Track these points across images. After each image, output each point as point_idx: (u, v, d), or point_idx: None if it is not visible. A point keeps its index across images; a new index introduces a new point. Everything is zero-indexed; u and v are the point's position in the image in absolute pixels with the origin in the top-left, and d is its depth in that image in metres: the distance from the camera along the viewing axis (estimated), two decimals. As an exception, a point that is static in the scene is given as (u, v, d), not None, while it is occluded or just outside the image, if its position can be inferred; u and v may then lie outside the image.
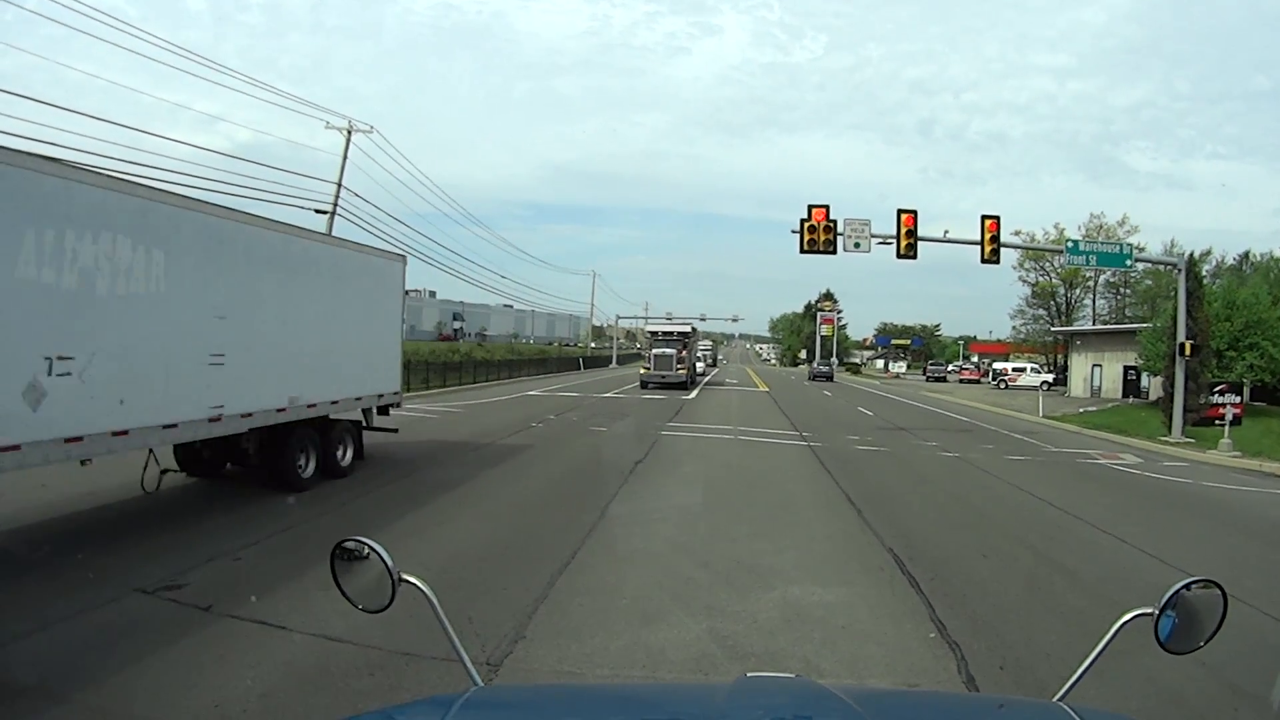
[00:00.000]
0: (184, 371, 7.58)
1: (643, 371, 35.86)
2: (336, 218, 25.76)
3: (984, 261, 21.09)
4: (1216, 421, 18.77)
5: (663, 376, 34.29)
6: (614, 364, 66.81)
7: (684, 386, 34.22)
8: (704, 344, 66.43)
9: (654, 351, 35.64)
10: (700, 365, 47.49)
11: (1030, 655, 4.91)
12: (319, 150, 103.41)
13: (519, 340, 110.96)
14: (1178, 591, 1.70)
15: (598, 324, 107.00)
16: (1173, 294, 23.79)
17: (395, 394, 12.30)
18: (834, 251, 21.06)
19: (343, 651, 4.51)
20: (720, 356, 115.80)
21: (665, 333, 38.30)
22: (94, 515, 8.02)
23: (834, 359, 72.68)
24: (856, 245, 21.06)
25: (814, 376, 56.80)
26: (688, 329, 39.10)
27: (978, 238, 21.02)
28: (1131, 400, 32.90)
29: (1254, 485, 13.95)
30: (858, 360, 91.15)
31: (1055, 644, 5.04)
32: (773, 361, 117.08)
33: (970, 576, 6.79)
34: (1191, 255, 30.15)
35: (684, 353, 35.73)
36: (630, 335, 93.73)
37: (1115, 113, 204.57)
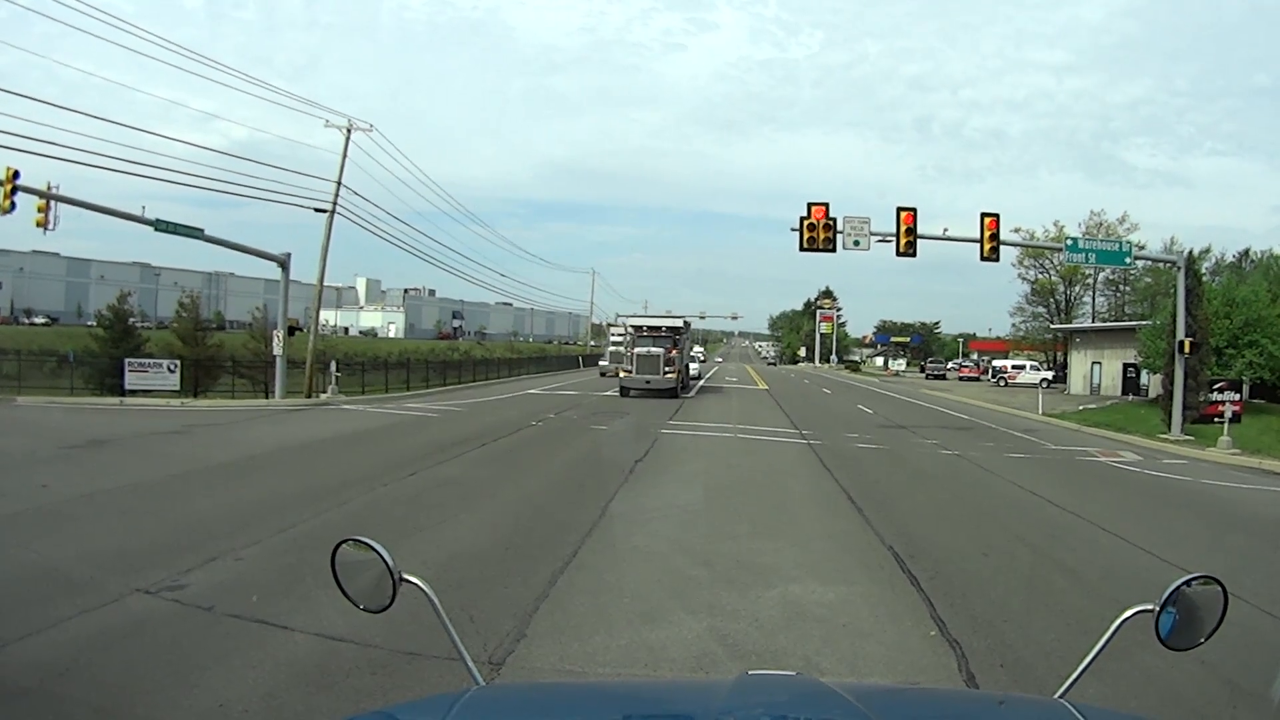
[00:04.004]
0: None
1: (622, 375, 28.93)
2: (336, 216, 25.81)
3: (983, 259, 21.14)
4: (1216, 419, 18.80)
5: (646, 382, 27.78)
6: (614, 362, 66.64)
7: (673, 394, 28.29)
8: (696, 350, 58.01)
9: (636, 350, 28.65)
10: (695, 368, 41.93)
11: (1030, 653, 4.92)
12: (316, 148, 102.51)
13: (518, 338, 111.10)
14: (1178, 588, 1.70)
15: (597, 322, 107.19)
16: (1172, 291, 23.79)
17: None
18: (834, 249, 21.11)
19: (344, 651, 4.51)
20: (718, 357, 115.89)
21: (652, 327, 30.90)
22: (96, 514, 8.02)
23: (775, 351, 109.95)
24: (856, 243, 21.11)
25: (770, 363, 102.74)
26: (679, 323, 32.38)
27: (977, 235, 21.06)
28: (1131, 398, 32.91)
29: (1253, 483, 13.96)
30: (857, 358, 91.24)
31: (1055, 642, 5.05)
32: (772, 359, 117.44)
33: (970, 575, 6.80)
34: (1191, 253, 30.15)
35: (674, 352, 29.03)
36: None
37: (1114, 109, 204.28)
